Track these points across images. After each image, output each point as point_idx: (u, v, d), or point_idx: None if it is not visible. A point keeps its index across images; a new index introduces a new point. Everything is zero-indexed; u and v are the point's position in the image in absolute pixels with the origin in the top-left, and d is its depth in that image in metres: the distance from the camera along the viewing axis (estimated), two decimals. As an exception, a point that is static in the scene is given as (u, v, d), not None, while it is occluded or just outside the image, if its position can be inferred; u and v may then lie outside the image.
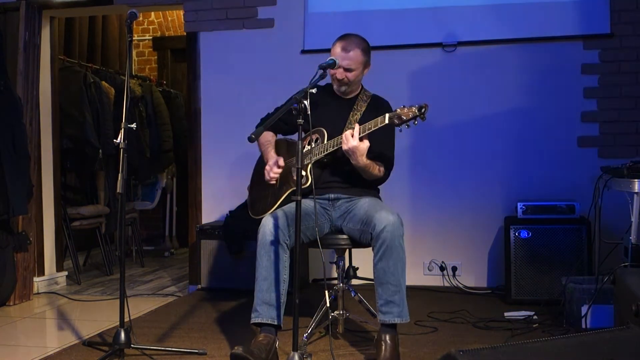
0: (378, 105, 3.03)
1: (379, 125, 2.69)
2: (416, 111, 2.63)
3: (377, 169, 2.88)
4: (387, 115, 2.67)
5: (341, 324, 3.05)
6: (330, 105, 3.01)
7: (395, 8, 4.32)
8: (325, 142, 2.87)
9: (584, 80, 4.11)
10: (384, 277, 2.67)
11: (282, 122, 2.95)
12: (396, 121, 2.66)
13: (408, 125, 2.67)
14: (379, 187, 3.10)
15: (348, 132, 2.73)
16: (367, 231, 2.75)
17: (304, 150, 2.87)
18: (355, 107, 3.01)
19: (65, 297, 4.33)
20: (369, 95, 3.07)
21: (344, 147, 2.73)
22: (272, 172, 2.92)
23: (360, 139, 2.72)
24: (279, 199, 2.98)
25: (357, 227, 2.83)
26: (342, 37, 2.96)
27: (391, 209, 2.75)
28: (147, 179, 6.32)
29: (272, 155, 3.00)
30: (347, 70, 2.92)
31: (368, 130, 2.72)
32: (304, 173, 2.86)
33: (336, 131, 2.92)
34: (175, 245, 6.61)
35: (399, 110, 2.67)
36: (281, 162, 2.93)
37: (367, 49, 2.97)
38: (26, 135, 4.16)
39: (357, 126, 2.74)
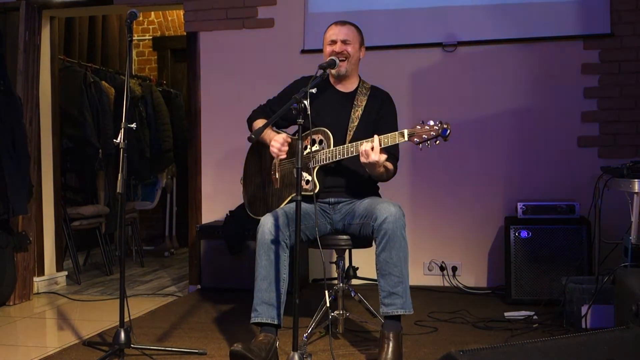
0: (379, 98, 3.01)
1: (397, 142, 2.64)
2: (439, 131, 2.55)
3: (389, 169, 2.85)
4: (405, 131, 2.61)
5: (341, 324, 3.05)
6: (330, 101, 2.98)
7: (395, 8, 4.32)
8: (332, 146, 2.83)
9: (584, 80, 4.11)
10: (386, 268, 2.66)
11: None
12: (415, 140, 2.60)
13: (429, 145, 2.59)
14: (379, 186, 3.09)
15: (367, 147, 2.63)
16: (368, 224, 2.73)
17: (307, 152, 2.86)
18: (355, 102, 2.98)
19: (65, 297, 4.33)
20: (368, 87, 3.05)
21: (364, 160, 2.66)
22: (283, 147, 2.84)
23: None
24: (283, 202, 2.96)
25: (357, 222, 2.82)
26: (334, 22, 3.03)
27: (392, 201, 2.74)
28: (147, 179, 6.32)
29: (274, 133, 2.95)
30: (345, 42, 2.92)
31: (384, 144, 2.66)
32: (309, 178, 2.84)
33: (340, 131, 2.90)
34: (175, 245, 6.61)
35: (418, 127, 2.60)
36: (288, 138, 2.88)
37: (361, 32, 3.02)
38: (26, 135, 4.16)
39: (376, 139, 2.65)
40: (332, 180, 2.94)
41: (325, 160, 2.83)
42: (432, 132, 2.58)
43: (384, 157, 2.68)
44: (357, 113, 2.96)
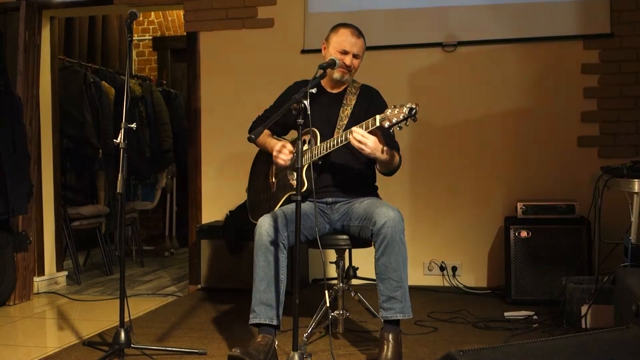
0: (368, 96, 3.00)
1: (370, 128, 2.62)
2: (406, 112, 2.53)
3: (396, 156, 2.83)
4: (377, 117, 2.60)
5: (341, 324, 3.05)
6: (320, 102, 2.95)
7: (395, 8, 4.32)
8: (319, 143, 2.84)
9: (584, 80, 4.11)
10: (385, 273, 2.66)
11: (274, 123, 2.80)
12: (386, 124, 2.58)
13: (400, 127, 2.58)
14: (378, 185, 3.09)
15: (357, 137, 2.60)
16: (367, 227, 2.73)
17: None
18: (344, 101, 2.97)
19: (65, 297, 4.33)
20: (358, 86, 3.04)
21: (367, 151, 2.62)
22: (283, 154, 2.85)
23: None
24: (278, 203, 2.96)
25: (356, 224, 2.82)
26: (345, 25, 2.94)
27: (391, 205, 2.74)
28: (147, 179, 6.32)
29: (275, 142, 2.95)
30: (356, 57, 2.90)
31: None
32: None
33: (329, 130, 2.90)
34: (175, 245, 6.61)
35: (389, 111, 2.59)
36: (289, 146, 2.87)
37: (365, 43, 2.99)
38: (26, 135, 4.16)
39: (353, 129, 2.64)
40: (329, 180, 2.93)
41: (312, 158, 2.83)
42: (400, 115, 2.55)
43: (375, 138, 2.63)
44: (346, 112, 2.95)
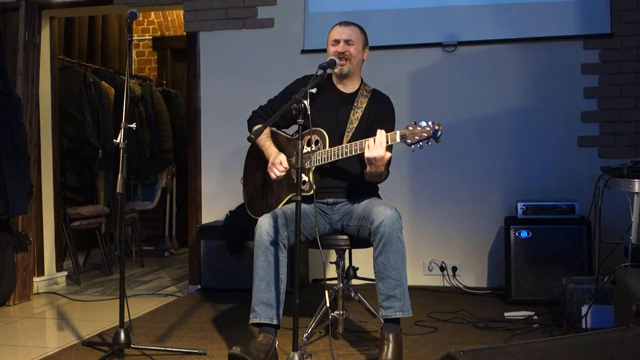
0: (379, 101, 2.99)
1: (389, 143, 2.61)
2: (431, 132, 2.53)
3: (384, 172, 2.83)
4: (397, 132, 2.59)
5: (341, 324, 3.05)
6: (330, 101, 2.96)
7: (395, 8, 4.32)
8: (327, 147, 2.82)
9: (584, 80, 4.11)
10: (384, 272, 2.66)
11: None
12: (408, 141, 2.57)
13: (421, 146, 2.56)
14: (379, 186, 3.08)
15: (377, 138, 2.59)
16: (365, 226, 2.74)
17: (304, 152, 2.85)
18: (355, 103, 2.96)
19: (65, 297, 4.33)
20: (369, 89, 3.03)
21: (368, 154, 2.61)
22: (278, 171, 2.86)
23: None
24: (281, 201, 2.96)
25: (355, 223, 2.82)
26: (338, 22, 3.01)
27: (389, 204, 2.74)
28: (147, 179, 6.32)
29: (273, 151, 2.95)
30: (347, 43, 2.90)
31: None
32: (305, 178, 2.84)
33: (337, 132, 2.89)
34: (175, 245, 6.61)
35: (410, 128, 2.57)
36: (285, 162, 2.87)
37: (365, 33, 3.00)
38: (26, 135, 4.16)
39: (382, 133, 2.61)
40: (331, 181, 2.93)
41: (321, 161, 2.82)
42: (424, 134, 2.55)
43: (388, 154, 2.64)
44: (356, 114, 2.94)
